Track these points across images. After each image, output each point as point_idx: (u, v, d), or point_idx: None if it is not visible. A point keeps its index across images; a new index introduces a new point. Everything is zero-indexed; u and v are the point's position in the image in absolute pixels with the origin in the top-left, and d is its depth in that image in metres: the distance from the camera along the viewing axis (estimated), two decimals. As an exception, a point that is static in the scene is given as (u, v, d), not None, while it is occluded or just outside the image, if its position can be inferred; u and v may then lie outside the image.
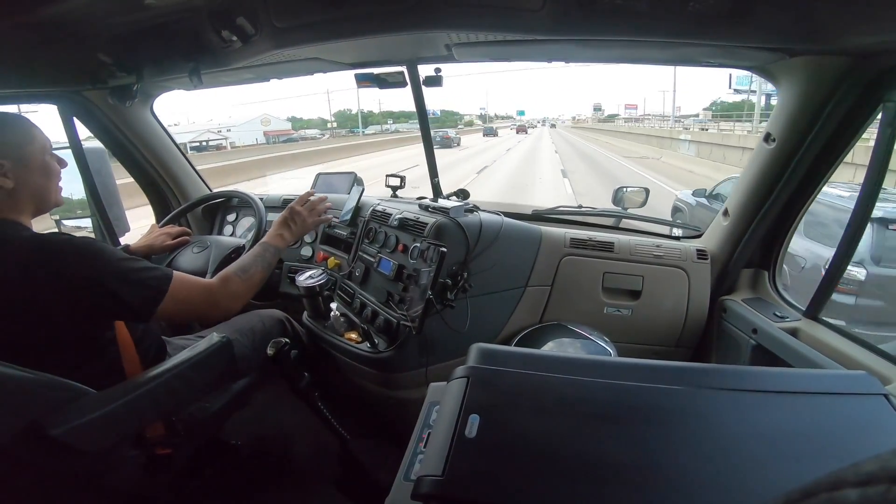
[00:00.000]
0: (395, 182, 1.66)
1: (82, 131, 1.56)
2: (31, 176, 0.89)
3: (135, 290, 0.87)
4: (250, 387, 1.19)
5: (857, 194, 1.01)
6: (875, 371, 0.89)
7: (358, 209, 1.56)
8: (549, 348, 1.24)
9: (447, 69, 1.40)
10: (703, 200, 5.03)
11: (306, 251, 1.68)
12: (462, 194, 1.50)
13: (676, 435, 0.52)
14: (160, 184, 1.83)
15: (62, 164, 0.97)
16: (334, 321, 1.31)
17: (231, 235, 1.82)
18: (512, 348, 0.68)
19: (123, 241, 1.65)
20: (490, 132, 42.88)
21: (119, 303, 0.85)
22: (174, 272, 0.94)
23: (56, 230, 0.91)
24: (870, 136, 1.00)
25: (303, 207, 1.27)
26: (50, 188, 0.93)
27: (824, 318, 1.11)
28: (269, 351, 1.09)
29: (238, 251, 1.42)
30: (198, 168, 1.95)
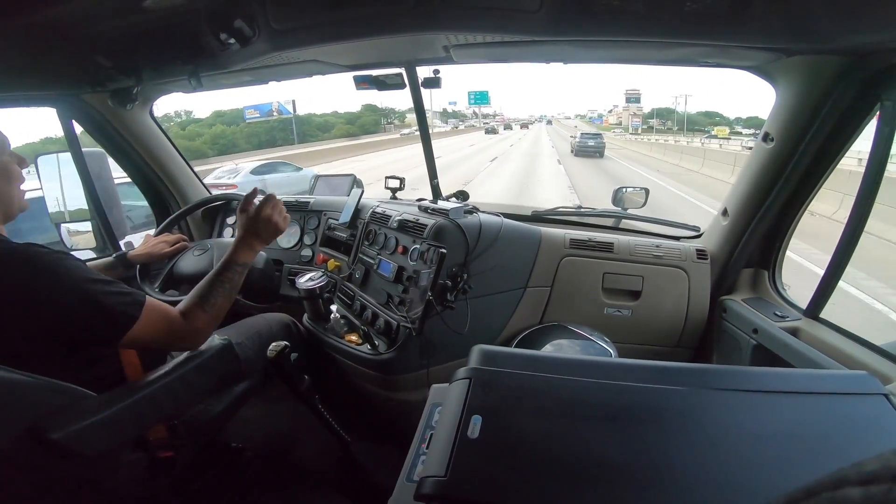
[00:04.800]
0: (395, 184, 1.66)
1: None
2: None
3: (102, 315, 0.81)
4: (252, 389, 1.19)
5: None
6: (876, 370, 0.89)
7: (357, 211, 1.56)
8: (550, 349, 1.24)
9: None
10: (574, 138, 23.72)
11: (306, 253, 1.68)
12: (461, 195, 1.50)
13: (678, 435, 0.52)
14: (159, 187, 1.83)
15: (23, 163, 0.90)
16: (334, 323, 1.31)
17: (231, 237, 1.82)
18: (513, 350, 0.68)
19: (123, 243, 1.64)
20: (507, 127, 52.96)
21: (85, 327, 0.81)
22: (148, 298, 0.89)
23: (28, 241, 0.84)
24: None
25: (269, 207, 1.10)
26: (12, 191, 0.87)
27: (825, 318, 1.12)
28: (269, 354, 1.09)
29: None
30: None
